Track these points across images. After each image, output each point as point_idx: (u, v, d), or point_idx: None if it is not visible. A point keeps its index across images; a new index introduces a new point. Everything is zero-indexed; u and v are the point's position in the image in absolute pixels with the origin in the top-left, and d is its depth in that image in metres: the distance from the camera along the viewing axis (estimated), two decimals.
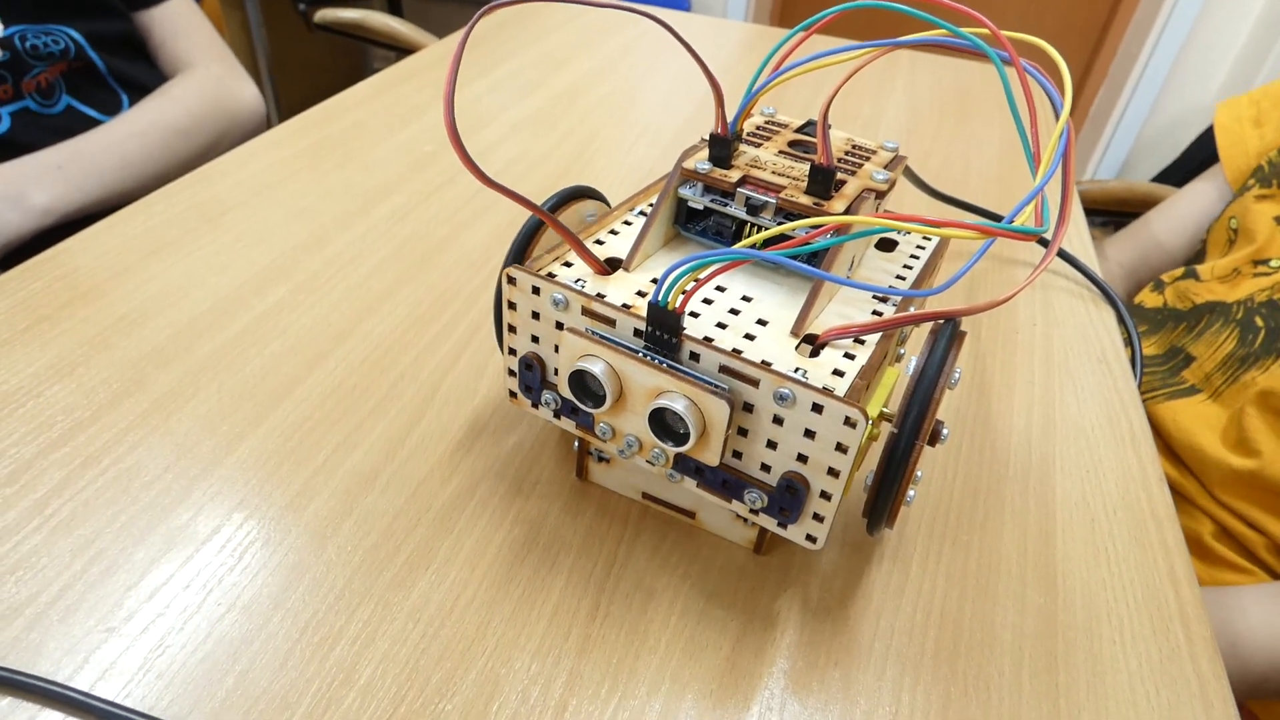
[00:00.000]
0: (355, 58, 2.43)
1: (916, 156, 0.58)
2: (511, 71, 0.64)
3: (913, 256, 0.28)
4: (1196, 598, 0.28)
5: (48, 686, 0.21)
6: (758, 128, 0.29)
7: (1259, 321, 0.53)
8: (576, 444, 0.28)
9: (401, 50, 0.88)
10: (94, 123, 0.60)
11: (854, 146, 0.28)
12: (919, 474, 0.26)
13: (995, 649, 0.25)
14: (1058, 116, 0.22)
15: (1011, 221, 0.21)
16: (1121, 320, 0.42)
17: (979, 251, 0.23)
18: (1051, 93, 0.22)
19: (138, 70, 0.63)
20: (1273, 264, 0.54)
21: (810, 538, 0.23)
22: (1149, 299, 0.62)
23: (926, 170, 0.56)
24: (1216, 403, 0.53)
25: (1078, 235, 0.49)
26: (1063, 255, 0.46)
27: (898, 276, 0.27)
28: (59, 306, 0.35)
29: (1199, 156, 0.83)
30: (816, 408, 0.20)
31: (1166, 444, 0.54)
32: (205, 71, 0.65)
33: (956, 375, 0.24)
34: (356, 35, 0.88)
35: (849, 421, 0.20)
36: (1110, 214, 0.79)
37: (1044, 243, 0.47)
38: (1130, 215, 0.74)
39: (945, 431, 0.25)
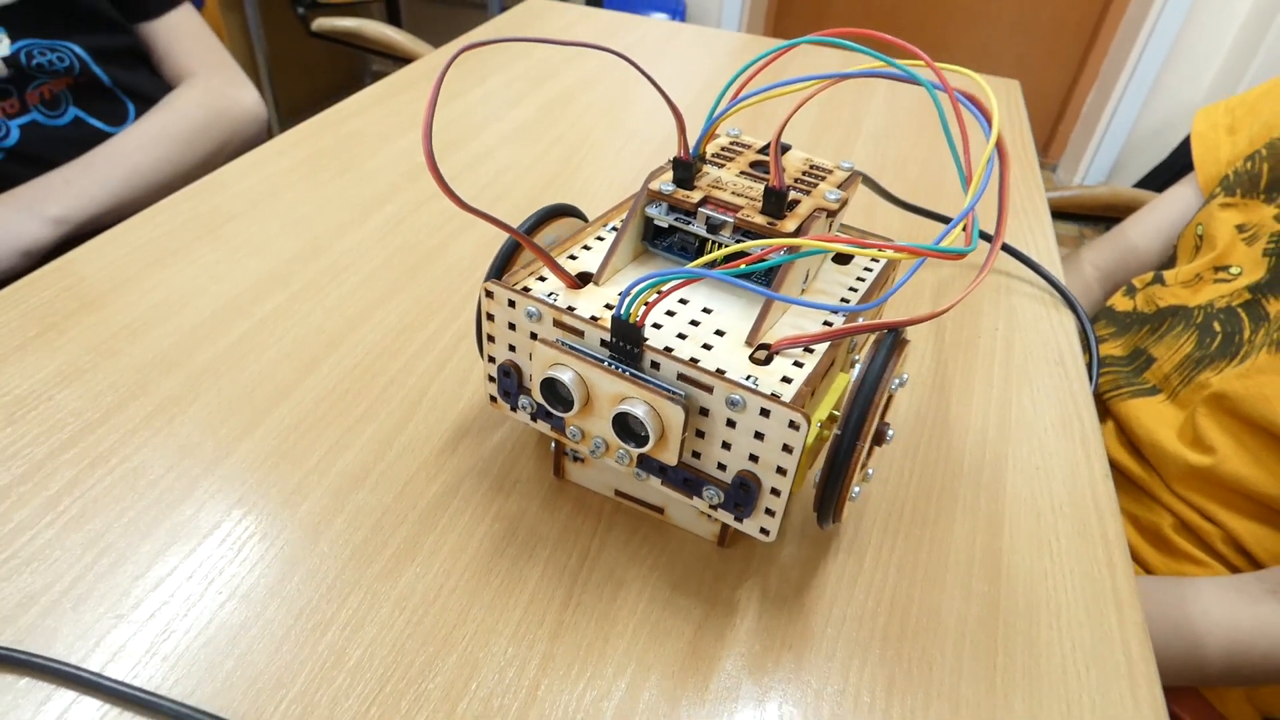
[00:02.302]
0: (353, 59, 2.45)
1: (894, 164, 0.60)
2: (504, 81, 0.66)
3: (866, 269, 0.30)
4: (1131, 586, 0.30)
5: (62, 668, 0.23)
6: (722, 149, 0.31)
7: (1216, 326, 0.55)
8: (554, 445, 0.30)
9: (399, 58, 0.90)
10: (101, 133, 0.62)
11: (812, 166, 0.30)
12: (870, 472, 0.29)
13: (939, 633, 0.27)
14: (989, 132, 0.23)
15: (940, 242, 0.23)
16: (1081, 325, 0.44)
17: (910, 270, 0.25)
18: (980, 119, 0.24)
19: (142, 80, 0.65)
20: (1232, 271, 0.56)
21: (764, 530, 0.25)
22: (1120, 303, 0.64)
23: (904, 177, 0.58)
24: (1174, 402, 0.55)
25: (1044, 242, 0.51)
26: (1027, 262, 0.48)
27: (850, 289, 0.29)
28: (67, 314, 0.37)
29: (1182, 160, 0.85)
30: (764, 412, 0.22)
31: (1130, 440, 0.56)
32: (207, 81, 0.67)
33: (902, 379, 0.26)
34: (353, 44, 0.90)
35: (793, 425, 0.22)
36: (1097, 219, 0.81)
37: (1017, 254, 0.49)
38: (1115, 220, 0.76)
39: (890, 432, 0.27)
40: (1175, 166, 0.92)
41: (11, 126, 0.58)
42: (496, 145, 0.56)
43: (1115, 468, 0.57)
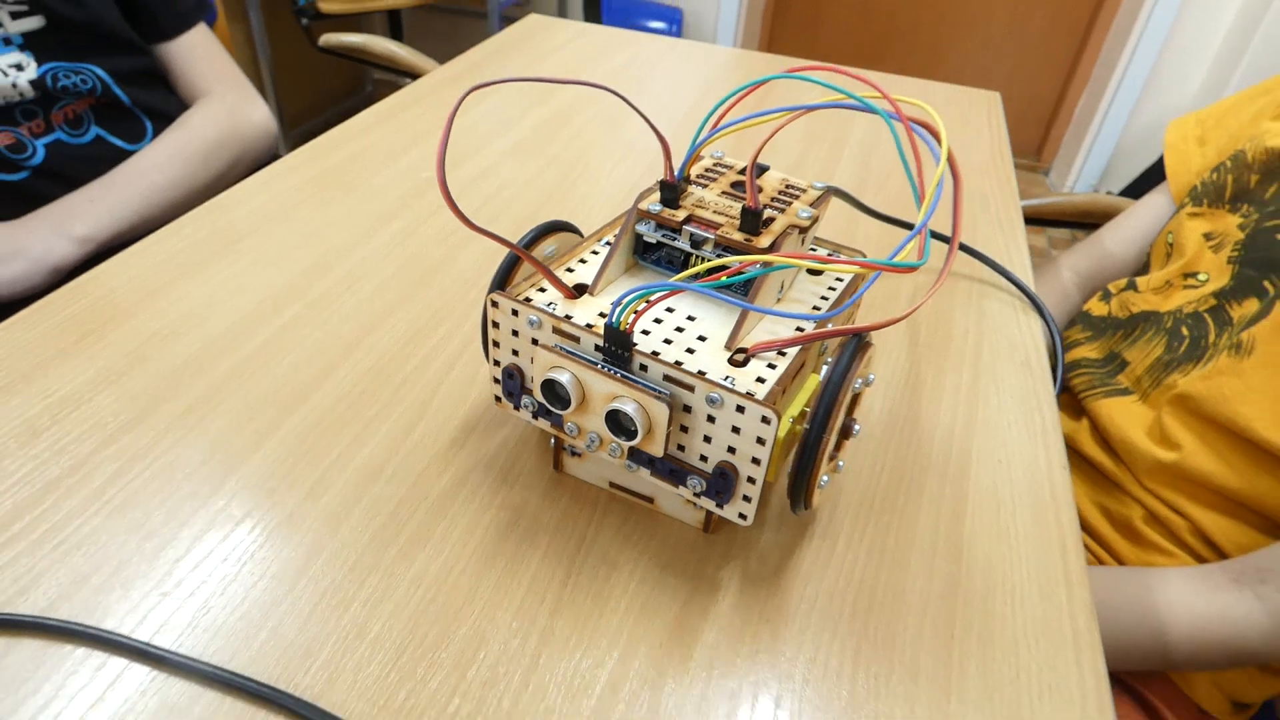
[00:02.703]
0: (355, 68, 2.48)
1: (877, 176, 0.62)
2: (503, 99, 0.69)
3: (838, 279, 0.33)
4: (1081, 567, 0.32)
5: (115, 638, 0.26)
6: (706, 170, 0.34)
7: (1184, 331, 0.57)
8: (553, 441, 0.33)
9: (401, 71, 0.93)
10: (121, 151, 0.65)
11: (788, 186, 0.33)
12: (841, 464, 0.31)
13: (903, 609, 0.30)
14: (938, 164, 0.26)
15: (894, 258, 0.25)
16: (1049, 328, 0.47)
17: (868, 282, 0.27)
18: (931, 145, 0.27)
19: (159, 99, 0.68)
20: (1200, 277, 0.59)
21: (741, 515, 0.28)
22: (1096, 307, 0.67)
23: (887, 188, 0.61)
24: (1144, 403, 0.58)
25: (1017, 250, 0.54)
26: (998, 269, 0.51)
27: (822, 297, 0.32)
28: (101, 323, 0.40)
29: (1162, 169, 0.88)
30: (740, 409, 0.25)
31: (1103, 437, 0.59)
32: (221, 100, 0.70)
33: (868, 379, 0.29)
34: (359, 58, 0.93)
35: (765, 419, 0.25)
36: (1077, 225, 0.84)
37: (990, 262, 0.52)
38: (1094, 226, 0.79)
39: (857, 427, 0.30)
40: (1161, 172, 0.95)
41: (38, 146, 0.61)
42: (497, 161, 0.59)
43: (1090, 463, 0.60)
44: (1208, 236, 0.60)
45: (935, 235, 0.53)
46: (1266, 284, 0.54)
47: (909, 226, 0.54)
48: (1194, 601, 0.51)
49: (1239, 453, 0.53)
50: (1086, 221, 0.79)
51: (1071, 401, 0.63)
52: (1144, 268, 0.67)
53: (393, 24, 2.24)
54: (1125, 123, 2.22)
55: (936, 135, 0.26)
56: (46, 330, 0.39)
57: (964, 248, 0.52)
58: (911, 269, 0.25)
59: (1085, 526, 0.60)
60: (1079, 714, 0.27)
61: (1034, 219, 0.86)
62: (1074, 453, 0.61)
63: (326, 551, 0.30)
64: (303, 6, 1.86)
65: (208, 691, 0.25)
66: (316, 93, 2.36)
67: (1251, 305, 0.55)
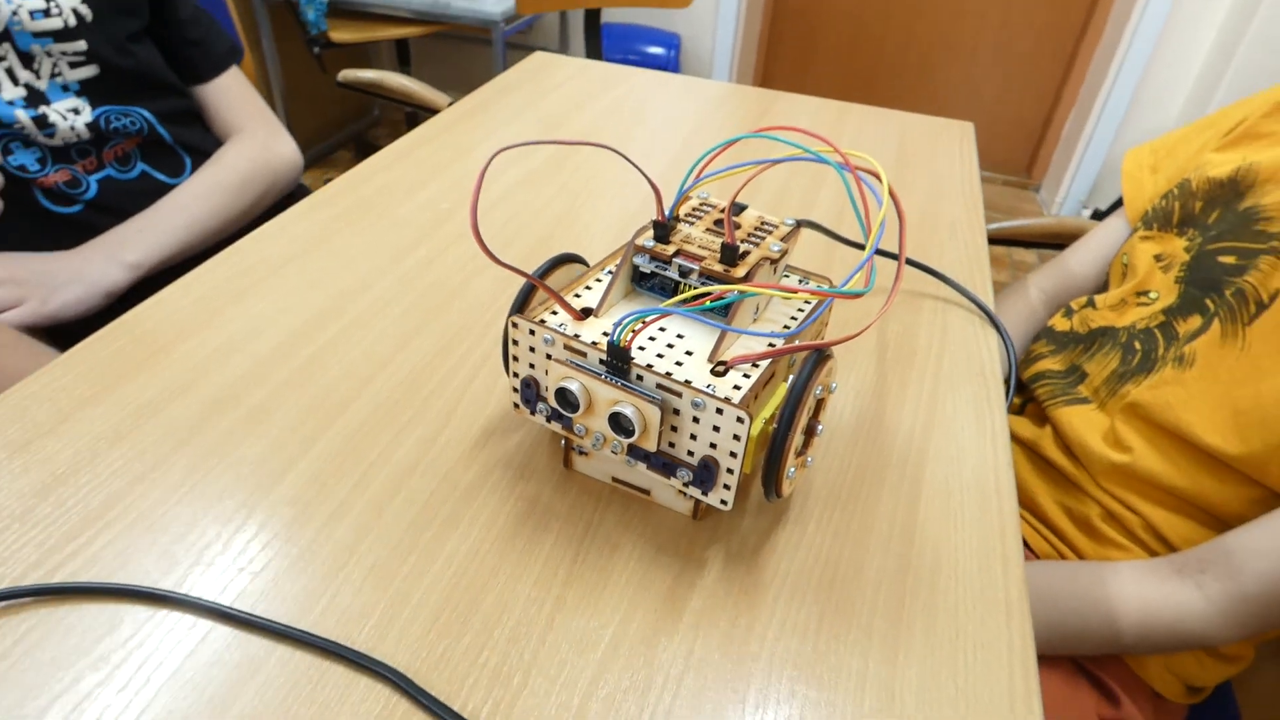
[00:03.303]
0: (362, 94, 2.56)
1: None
2: (515, 133, 0.75)
3: (806, 302, 0.38)
4: (1017, 548, 0.38)
5: (203, 602, 0.31)
6: (693, 209, 0.39)
7: (1137, 345, 0.63)
8: (563, 441, 0.39)
9: (415, 105, 0.99)
10: (163, 185, 0.71)
11: (763, 223, 0.39)
12: (810, 459, 0.37)
13: (861, 583, 0.35)
14: (880, 206, 0.32)
15: (845, 286, 0.31)
16: (1004, 342, 0.53)
17: (823, 306, 0.33)
18: (874, 191, 0.32)
19: (197, 136, 0.74)
20: (1151, 296, 0.65)
21: (722, 501, 0.33)
22: (1059, 323, 0.72)
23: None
24: (1101, 410, 0.63)
25: (980, 271, 0.60)
26: (960, 289, 0.56)
27: (792, 316, 0.37)
28: (168, 342, 0.45)
29: None
30: (719, 411, 0.31)
31: (1064, 442, 0.64)
32: (252, 136, 0.76)
33: (832, 387, 0.34)
34: (375, 93, 0.99)
35: (740, 419, 0.30)
36: (1047, 245, 0.89)
37: (952, 283, 0.58)
38: (1062, 247, 0.85)
39: (820, 428, 0.35)
40: None
41: (91, 181, 0.67)
42: (509, 191, 0.65)
43: (1053, 466, 0.66)
44: (1158, 258, 0.66)
45: (904, 261, 0.59)
46: (1208, 301, 0.60)
47: (879, 253, 0.59)
48: (1142, 591, 0.56)
49: (1184, 455, 0.58)
50: (1055, 243, 0.85)
51: (1036, 410, 0.69)
52: (1103, 286, 0.73)
53: (400, 51, 2.31)
54: (1111, 142, 2.29)
55: (878, 179, 0.32)
56: (121, 349, 0.44)
57: (929, 270, 0.58)
58: (858, 295, 0.31)
59: (1048, 524, 0.65)
60: (1006, 668, 0.33)
61: (1008, 240, 0.92)
62: (1038, 457, 0.67)
63: (372, 534, 0.35)
64: (314, 36, 1.94)
65: (280, 646, 0.31)
66: (326, 117, 2.44)
67: (1195, 321, 0.60)
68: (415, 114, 1.04)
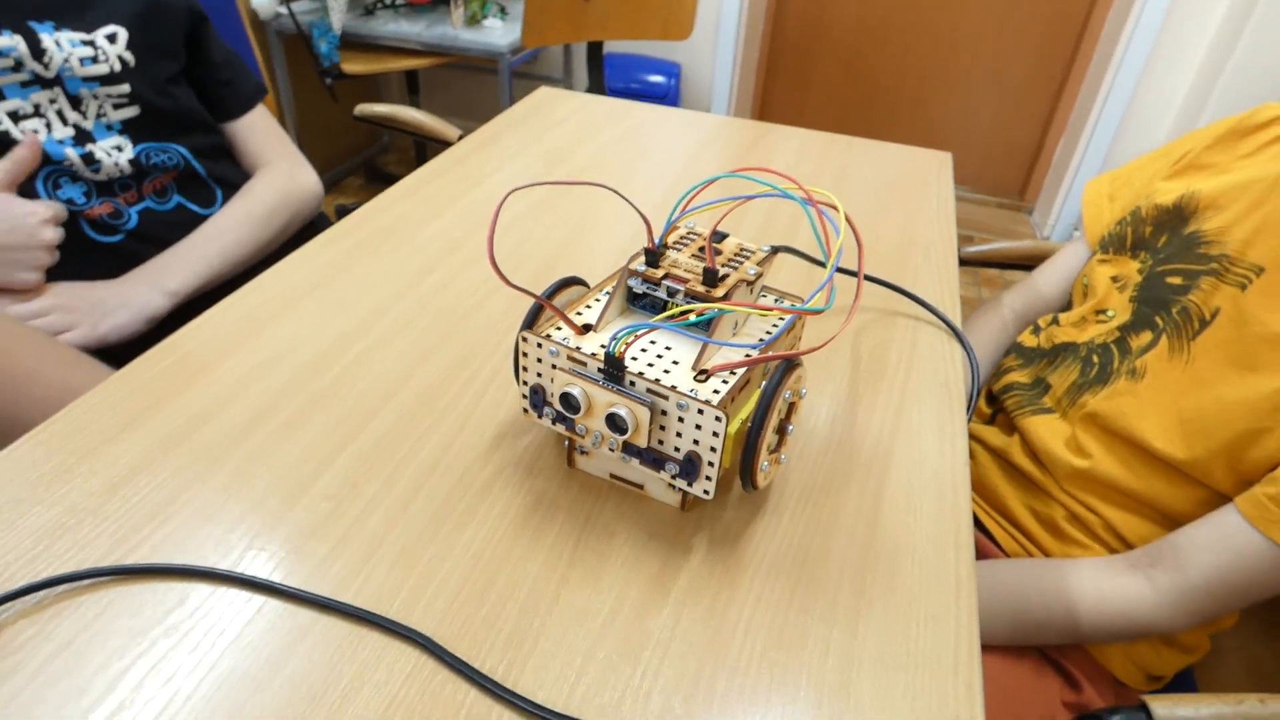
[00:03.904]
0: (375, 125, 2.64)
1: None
2: (524, 164, 0.81)
3: (780, 318, 0.44)
4: (968, 535, 0.43)
5: (258, 580, 0.36)
6: (681, 238, 0.45)
7: (1095, 359, 0.68)
8: (566, 443, 0.44)
9: (426, 137, 1.05)
10: (196, 215, 0.77)
11: (741, 249, 0.44)
12: (784, 457, 0.42)
13: (828, 565, 0.40)
14: (839, 235, 0.37)
15: (808, 303, 0.36)
16: (968, 355, 0.58)
17: (787, 322, 0.38)
18: (832, 222, 0.38)
19: (227, 169, 0.80)
20: (1109, 314, 0.70)
21: (705, 490, 0.38)
22: (1027, 339, 0.77)
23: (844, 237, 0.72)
24: (1064, 419, 0.68)
25: (950, 292, 0.65)
26: (930, 309, 0.62)
27: (767, 331, 0.43)
28: (212, 360, 0.50)
29: None
30: (700, 411, 0.36)
31: (1031, 449, 0.69)
32: (277, 169, 0.82)
33: (801, 393, 0.39)
34: (389, 126, 1.05)
35: (718, 419, 0.36)
36: (1021, 267, 0.95)
37: (922, 303, 0.63)
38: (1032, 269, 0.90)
39: (790, 428, 0.40)
40: None
41: (132, 213, 0.73)
42: (517, 218, 0.70)
43: (1020, 472, 0.71)
44: (1114, 279, 0.71)
45: (863, 278, 0.64)
46: (1157, 319, 0.65)
47: (850, 273, 0.65)
48: (1099, 585, 0.61)
49: (1137, 460, 0.63)
50: (1028, 265, 0.90)
51: (1006, 420, 0.74)
52: (1068, 305, 0.78)
53: (410, 80, 2.39)
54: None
55: (836, 212, 0.38)
56: (168, 366, 0.50)
57: (901, 290, 0.63)
58: (819, 312, 0.36)
59: (1017, 525, 0.70)
60: (953, 636, 0.37)
61: (987, 262, 0.97)
62: (1008, 463, 0.72)
63: (400, 524, 0.40)
64: (327, 68, 2.01)
65: (324, 616, 0.36)
66: (337, 144, 2.52)
67: (1146, 337, 0.65)
68: (424, 142, 1.10)
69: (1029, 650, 0.65)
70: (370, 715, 0.32)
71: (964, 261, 0.95)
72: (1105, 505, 0.65)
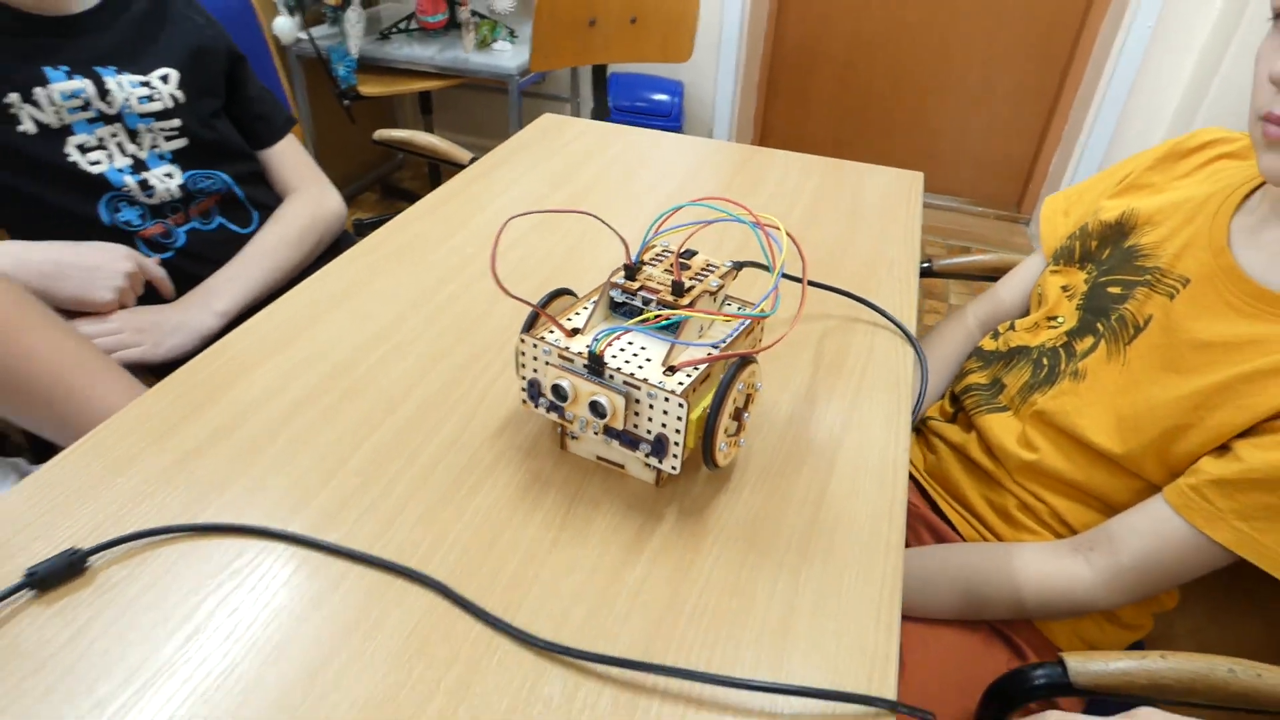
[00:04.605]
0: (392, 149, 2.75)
1: (809, 241, 0.81)
2: (526, 188, 0.89)
3: (743, 323, 0.51)
4: (901, 512, 0.50)
5: (303, 537, 0.44)
6: (656, 255, 0.52)
7: (1045, 361, 0.75)
8: (559, 429, 0.52)
9: (439, 159, 1.14)
10: (236, 235, 0.86)
11: (708, 264, 0.52)
12: (743, 441, 0.49)
13: (779, 532, 0.48)
14: (781, 250, 0.45)
15: (756, 309, 0.44)
16: (919, 358, 0.65)
17: (736, 328, 0.46)
18: (776, 241, 0.45)
19: (262, 192, 0.89)
20: (1058, 320, 0.77)
21: (672, 467, 0.46)
22: (987, 344, 0.84)
23: (819, 251, 0.79)
24: (1015, 417, 0.75)
25: (908, 301, 0.72)
26: (886, 315, 0.69)
27: (730, 334, 0.50)
28: (257, 359, 0.59)
29: None
30: (666, 399, 0.44)
31: (986, 444, 0.76)
32: (306, 193, 0.91)
33: (757, 386, 0.47)
34: (406, 149, 1.14)
35: (680, 405, 0.43)
36: (989, 278, 1.02)
37: (880, 310, 0.70)
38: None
39: (747, 415, 0.48)
40: None
41: (180, 233, 0.81)
42: (520, 238, 0.79)
43: (977, 466, 0.77)
44: (1064, 289, 0.78)
45: (825, 287, 0.72)
46: (1099, 325, 0.72)
47: (817, 284, 0.72)
48: (1042, 566, 0.68)
49: (1079, 454, 0.70)
50: (994, 275, 0.97)
51: (965, 418, 0.81)
52: (1026, 312, 0.85)
53: (423, 100, 2.49)
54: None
55: (779, 234, 0.45)
56: (222, 365, 0.58)
57: (861, 299, 0.70)
58: (765, 317, 0.44)
59: (974, 513, 0.77)
60: (879, 589, 0.45)
61: (960, 274, 1.04)
62: (966, 458, 0.79)
63: (419, 493, 0.48)
64: (344, 90, 2.11)
65: (357, 566, 0.43)
66: (354, 161, 2.62)
67: (1088, 341, 0.72)
68: (437, 163, 1.19)
69: (980, 625, 0.71)
70: (394, 643, 0.40)
71: (937, 274, 1.03)
72: (1052, 495, 0.72)
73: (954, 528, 0.78)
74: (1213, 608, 0.81)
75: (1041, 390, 0.73)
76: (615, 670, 0.40)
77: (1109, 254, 0.76)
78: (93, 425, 0.51)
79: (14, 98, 0.74)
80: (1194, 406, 0.62)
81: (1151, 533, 0.63)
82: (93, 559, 0.43)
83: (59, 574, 0.42)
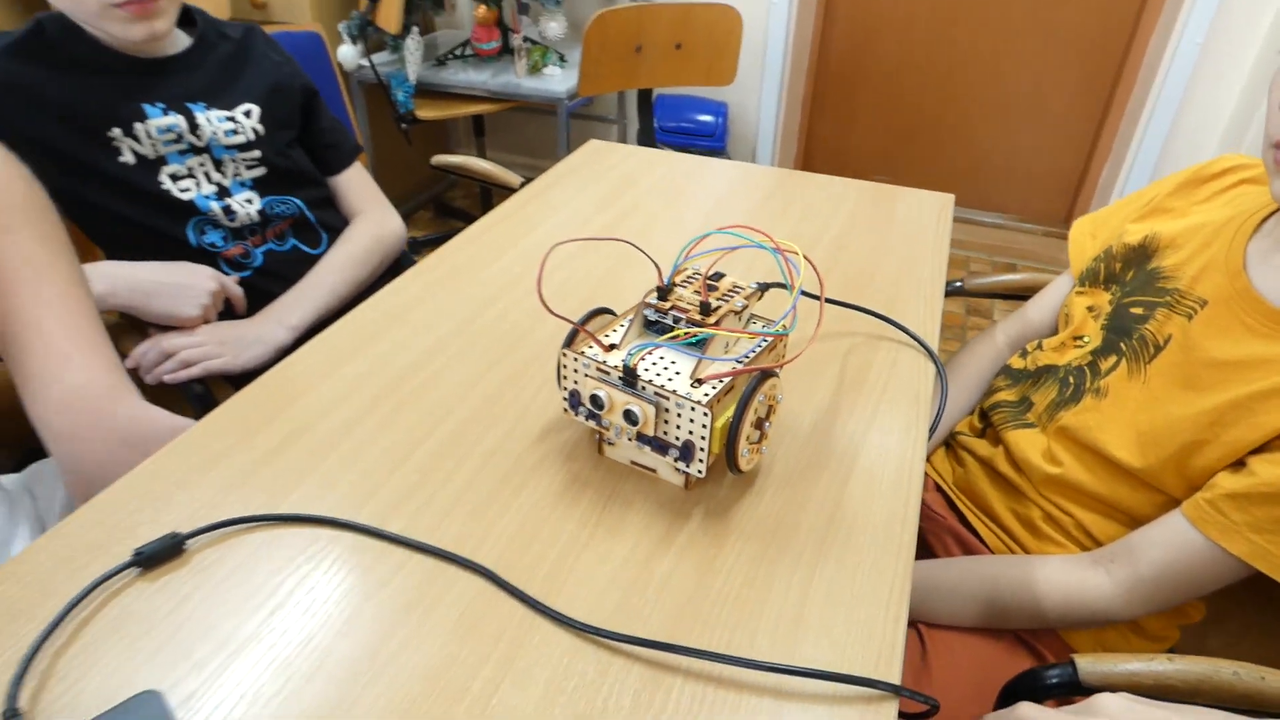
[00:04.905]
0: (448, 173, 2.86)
1: (841, 262, 0.85)
2: (570, 212, 0.95)
3: (764, 340, 0.56)
4: (914, 516, 0.53)
5: (365, 526, 0.50)
6: (686, 277, 0.57)
7: (1071, 380, 0.77)
8: (596, 436, 0.57)
9: (492, 183, 1.21)
10: (307, 255, 0.94)
11: (734, 286, 0.56)
12: (764, 449, 0.54)
13: (798, 531, 0.52)
14: (799, 273, 0.49)
15: (774, 328, 0.48)
16: (939, 373, 0.68)
17: (758, 344, 0.50)
18: (794, 266, 0.50)
19: (331, 216, 0.97)
20: (1084, 340, 0.79)
21: (699, 470, 0.50)
22: (1016, 362, 0.87)
23: (849, 270, 0.83)
24: (1042, 433, 0.77)
25: (931, 320, 0.76)
26: (908, 332, 0.72)
27: (753, 350, 0.55)
28: (329, 369, 0.65)
29: None
30: (693, 408, 0.48)
31: (1012, 458, 0.79)
32: (370, 216, 0.98)
33: (778, 398, 0.51)
34: (461, 174, 1.21)
35: (705, 414, 0.48)
36: (1019, 297, 1.04)
37: (902, 328, 0.74)
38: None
39: (768, 424, 0.52)
40: None
41: (257, 253, 0.90)
42: (565, 260, 0.84)
43: (1004, 479, 0.80)
44: (1090, 309, 0.81)
45: (843, 304, 0.75)
46: (1122, 345, 0.74)
47: (836, 303, 0.76)
48: (1065, 577, 0.70)
49: (1102, 468, 0.72)
50: (1026, 295, 0.99)
51: (992, 433, 0.83)
52: (1054, 331, 0.87)
53: (476, 123, 2.60)
54: None
55: (797, 259, 0.50)
56: (295, 374, 0.64)
57: (882, 316, 0.74)
58: (784, 335, 0.48)
59: (1001, 525, 0.79)
60: (889, 583, 0.48)
61: (991, 293, 1.07)
62: (993, 471, 0.81)
63: (469, 492, 0.53)
64: (403, 114, 2.22)
65: (416, 554, 0.49)
66: (409, 181, 2.73)
67: (1111, 360, 0.75)
68: (488, 186, 1.26)
69: (1005, 633, 0.74)
70: (447, 621, 0.45)
71: (969, 293, 1.05)
72: (1076, 507, 0.74)
73: (980, 539, 0.80)
74: (1246, 623, 0.82)
75: (1067, 407, 0.76)
76: (643, 650, 0.44)
77: (1132, 276, 0.78)
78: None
79: (116, 132, 0.82)
80: (1210, 423, 0.64)
81: (1169, 545, 0.65)
82: (190, 542, 0.49)
83: (161, 554, 0.48)
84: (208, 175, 0.87)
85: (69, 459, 0.57)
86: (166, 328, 0.84)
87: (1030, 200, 2.75)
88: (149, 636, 0.44)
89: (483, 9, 2.17)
